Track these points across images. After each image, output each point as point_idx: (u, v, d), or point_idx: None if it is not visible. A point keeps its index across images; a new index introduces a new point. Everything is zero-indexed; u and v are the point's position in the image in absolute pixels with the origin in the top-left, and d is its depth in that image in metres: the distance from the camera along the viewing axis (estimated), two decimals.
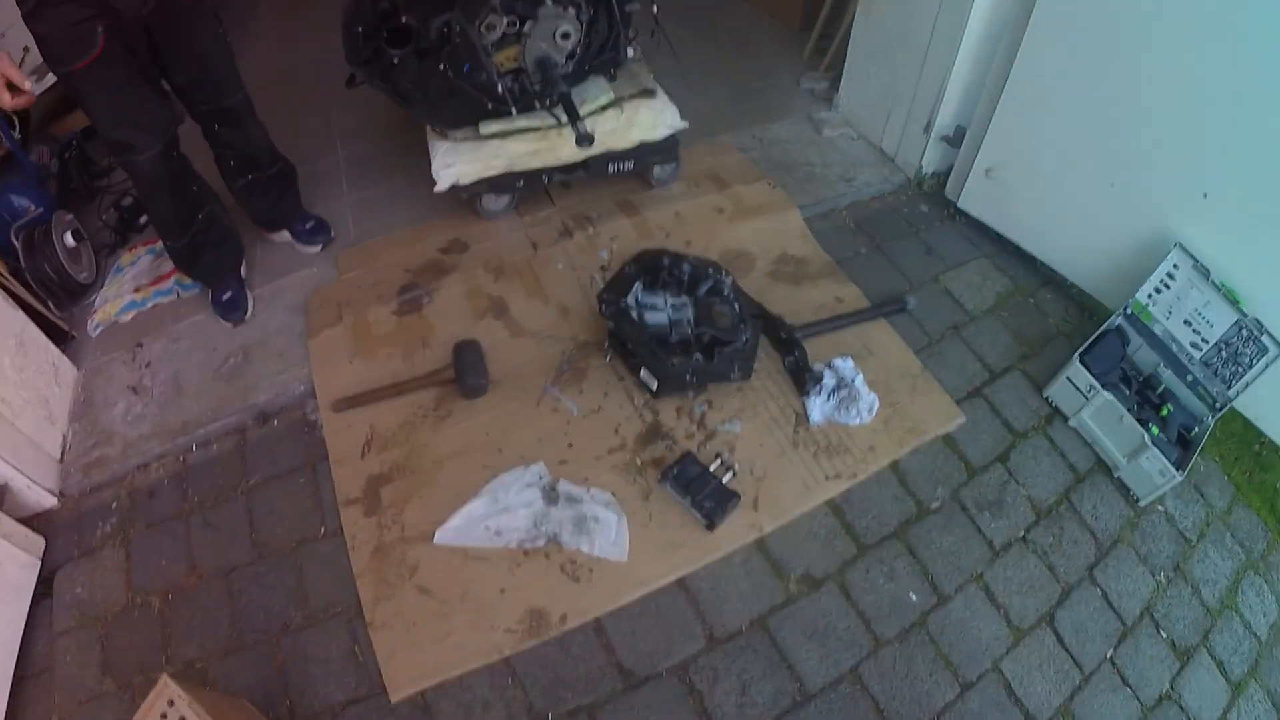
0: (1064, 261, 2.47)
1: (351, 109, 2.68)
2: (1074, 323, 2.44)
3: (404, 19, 2.29)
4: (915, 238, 2.67)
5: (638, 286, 2.06)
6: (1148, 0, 1.94)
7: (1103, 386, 2.06)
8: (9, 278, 2.35)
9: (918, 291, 2.43)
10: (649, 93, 2.54)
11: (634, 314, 2.01)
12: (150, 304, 2.61)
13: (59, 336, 2.44)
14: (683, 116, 2.59)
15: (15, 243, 2.53)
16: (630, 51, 2.51)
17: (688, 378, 1.99)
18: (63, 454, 2.21)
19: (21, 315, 2.26)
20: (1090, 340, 2.16)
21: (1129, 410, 2.03)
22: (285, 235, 2.70)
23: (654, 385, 2.01)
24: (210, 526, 2.00)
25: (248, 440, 2.17)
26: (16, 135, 2.74)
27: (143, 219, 2.94)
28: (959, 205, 2.68)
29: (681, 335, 2.01)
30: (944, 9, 2.47)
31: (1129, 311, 2.19)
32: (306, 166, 2.73)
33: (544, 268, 2.43)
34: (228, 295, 2.47)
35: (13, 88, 1.88)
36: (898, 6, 2.68)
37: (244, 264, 2.60)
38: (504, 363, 2.17)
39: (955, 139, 2.68)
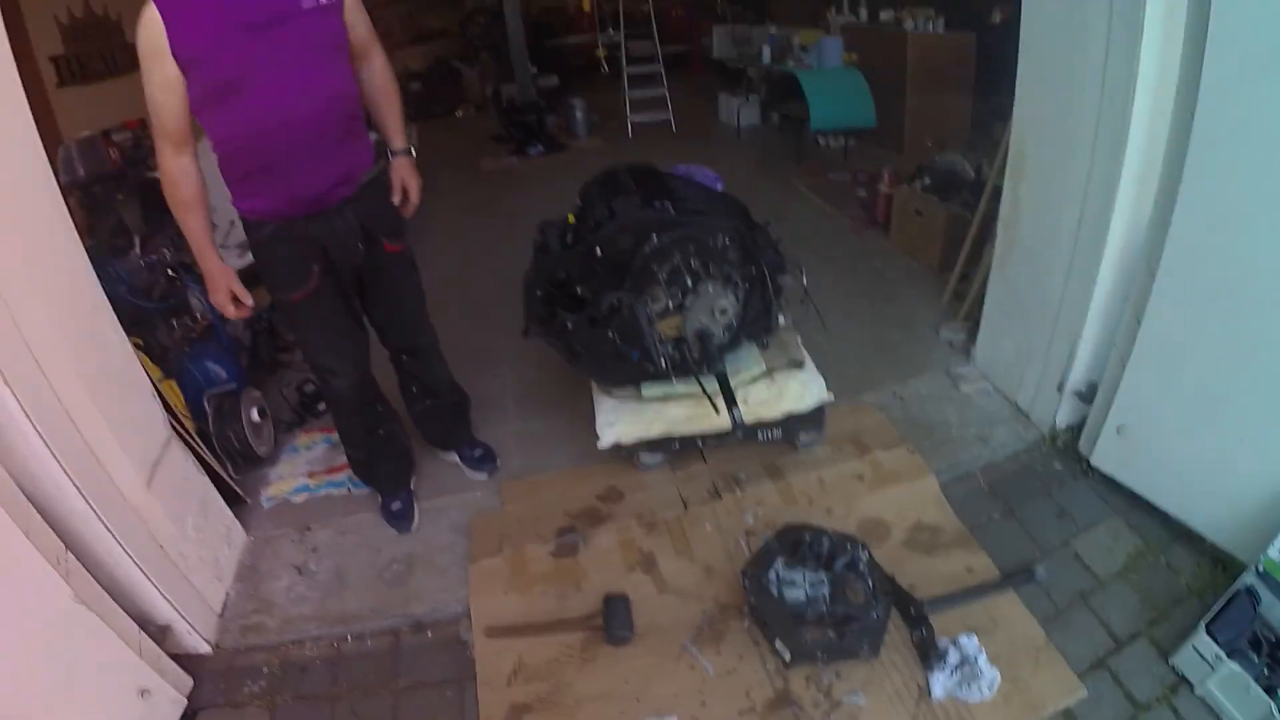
0: (1196, 516, 2.40)
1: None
2: (1206, 579, 2.33)
3: (578, 289, 2.59)
4: (1047, 498, 2.67)
5: (779, 562, 2.22)
6: (1269, 258, 2.00)
7: (1231, 653, 1.98)
8: (196, 439, 2.61)
9: (1047, 558, 2.43)
10: (798, 364, 2.73)
11: (774, 590, 2.16)
12: (322, 492, 2.87)
13: (231, 497, 2.68)
14: (826, 371, 2.74)
15: (206, 407, 2.84)
16: (781, 320, 2.76)
17: (819, 654, 2.13)
18: (223, 610, 2.41)
19: (206, 480, 2.52)
20: (1221, 602, 2.09)
21: (1258, 676, 1.96)
22: (454, 456, 2.91)
23: (787, 656, 2.13)
24: (356, 716, 2.13)
25: (401, 644, 2.32)
26: None
27: (321, 405, 3.25)
28: (1091, 462, 2.66)
29: (817, 612, 2.14)
30: (1074, 268, 2.56)
31: (1260, 569, 2.08)
32: (475, 386, 2.96)
33: (693, 527, 2.59)
34: (397, 505, 2.67)
35: (236, 300, 2.17)
36: (1029, 265, 2.80)
37: (414, 477, 2.80)
38: (649, 616, 2.29)
39: (1088, 395, 2.71)
